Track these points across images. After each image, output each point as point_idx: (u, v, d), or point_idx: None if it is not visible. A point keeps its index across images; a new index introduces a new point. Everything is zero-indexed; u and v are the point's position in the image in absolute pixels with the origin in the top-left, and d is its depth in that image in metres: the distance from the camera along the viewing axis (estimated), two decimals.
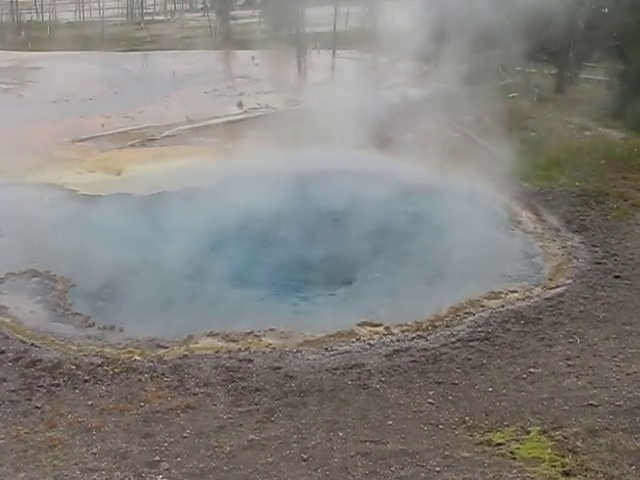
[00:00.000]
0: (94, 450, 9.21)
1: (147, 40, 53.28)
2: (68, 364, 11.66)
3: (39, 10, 63.17)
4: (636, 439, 8.50)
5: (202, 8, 68.56)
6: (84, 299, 14.31)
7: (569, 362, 11.50)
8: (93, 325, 13.31)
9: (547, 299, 14.19)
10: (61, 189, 20.44)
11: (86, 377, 11.30)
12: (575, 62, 33.25)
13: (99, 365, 11.67)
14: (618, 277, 14.92)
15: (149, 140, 25.62)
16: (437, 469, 8.25)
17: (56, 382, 11.16)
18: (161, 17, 70.58)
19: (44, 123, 26.66)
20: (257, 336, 12.86)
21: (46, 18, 61.78)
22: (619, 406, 9.53)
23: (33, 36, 52.03)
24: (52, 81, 33.16)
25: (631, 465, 7.92)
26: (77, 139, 25.67)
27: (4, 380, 11.18)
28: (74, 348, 12.40)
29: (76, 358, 11.92)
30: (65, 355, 12.04)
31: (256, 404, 10.49)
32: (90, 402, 10.57)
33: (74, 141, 25.53)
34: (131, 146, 25.17)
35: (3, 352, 12.04)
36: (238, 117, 29.32)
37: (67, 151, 24.39)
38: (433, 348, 12.38)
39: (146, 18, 67.10)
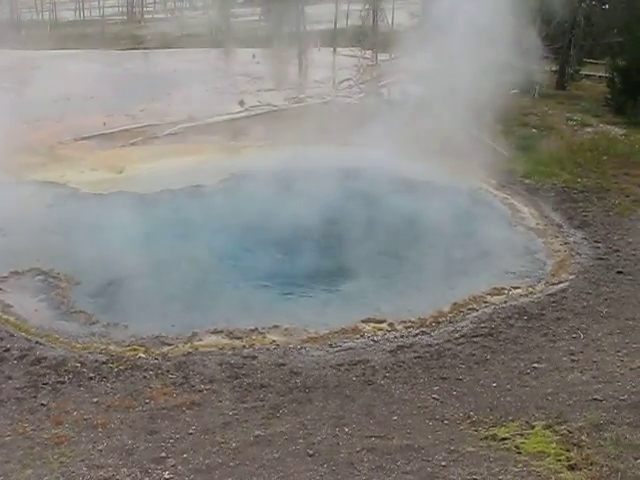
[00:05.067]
0: (100, 447, 9.24)
1: (147, 38, 53.16)
2: (73, 362, 11.68)
3: (39, 9, 63.03)
4: None
5: (202, 6, 68.48)
6: (88, 297, 14.33)
7: (573, 357, 11.54)
8: (97, 323, 13.32)
9: (550, 295, 14.24)
10: (64, 187, 20.48)
11: (91, 374, 11.32)
12: (576, 58, 33.23)
13: (104, 362, 11.69)
14: (620, 273, 14.95)
15: (151, 138, 25.61)
16: (443, 464, 8.27)
17: (61, 379, 11.18)
18: (161, 15, 70.51)
19: (45, 122, 26.64)
20: (261, 333, 12.89)
21: (46, 17, 61.63)
22: (623, 400, 9.54)
23: (33, 35, 51.91)
24: (53, 80, 33.01)
25: (636, 459, 7.93)
26: (79, 137, 25.66)
27: (9, 378, 11.20)
28: (79, 346, 12.42)
29: (81, 355, 11.94)
30: (70, 353, 12.06)
31: (261, 400, 10.52)
32: (95, 399, 10.59)
33: (76, 139, 25.53)
34: (133, 144, 25.17)
35: (8, 350, 12.06)
36: (240, 115, 29.32)
37: (69, 149, 24.40)
38: (437, 344, 12.41)
39: (146, 16, 67.04)
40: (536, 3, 26.74)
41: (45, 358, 11.83)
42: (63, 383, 11.10)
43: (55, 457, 8.97)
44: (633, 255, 15.75)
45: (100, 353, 12.11)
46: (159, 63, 40.72)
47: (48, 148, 24.00)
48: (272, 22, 47.66)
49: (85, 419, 10.00)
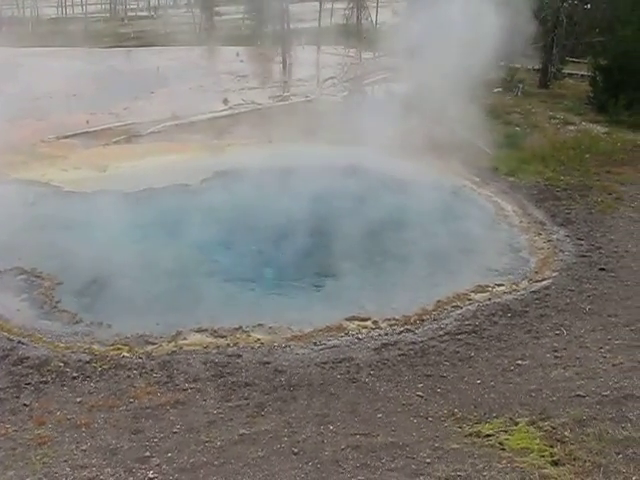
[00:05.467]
0: (84, 447, 9.18)
1: (131, 36, 53.01)
2: (56, 361, 11.61)
3: (20, 6, 62.48)
4: (623, 428, 8.59)
5: (186, 4, 68.28)
6: (71, 296, 14.22)
7: (556, 354, 11.60)
8: (81, 322, 13.23)
9: (533, 292, 14.29)
10: (46, 186, 20.32)
11: (74, 374, 11.25)
12: (559, 57, 33.46)
13: (87, 362, 11.63)
14: (603, 270, 15.03)
15: (134, 137, 25.47)
16: (427, 461, 8.30)
17: (44, 379, 11.10)
18: (145, 13, 70.27)
19: (27, 120, 26.43)
20: (245, 331, 12.86)
21: (27, 14, 61.15)
22: (606, 396, 9.62)
23: (14, 32, 51.48)
24: (35, 77, 32.85)
25: (618, 454, 8.00)
26: (61, 136, 25.48)
27: None
28: (62, 345, 12.33)
29: (64, 355, 11.86)
30: (53, 352, 11.98)
31: (246, 399, 10.50)
32: (79, 399, 10.52)
33: (58, 138, 25.35)
34: (116, 143, 25.03)
35: None
36: (224, 113, 29.26)
37: (51, 148, 24.24)
38: (421, 341, 12.43)
39: (130, 14, 66.85)
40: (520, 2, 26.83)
41: (28, 358, 11.75)
42: (46, 383, 11.02)
43: (38, 458, 8.90)
44: (615, 252, 15.86)
45: (83, 352, 12.04)
46: (142, 61, 40.62)
47: (30, 146, 23.83)
48: (256, 20, 47.68)
49: (68, 419, 9.94)
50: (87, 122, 27.05)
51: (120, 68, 38.76)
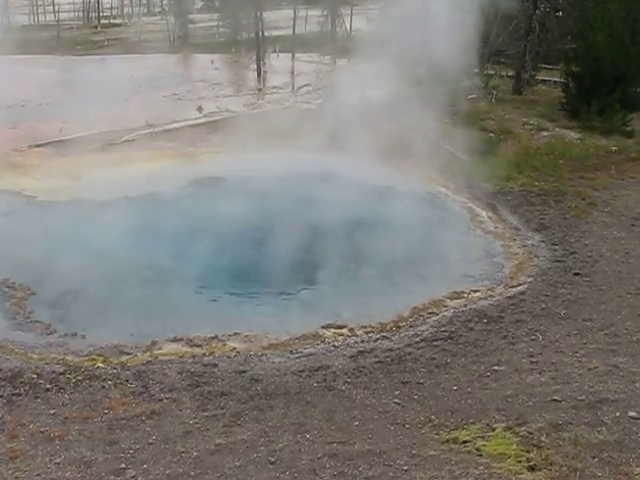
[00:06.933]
0: (58, 460, 9.03)
1: (104, 44, 52.62)
2: (29, 373, 11.42)
3: None
4: (598, 432, 8.64)
5: (160, 12, 68.03)
6: (44, 307, 14.01)
7: (532, 359, 11.65)
8: (54, 333, 13.05)
9: (509, 297, 14.35)
10: (18, 195, 20.03)
11: (48, 386, 11.08)
12: (531, 64, 33.80)
13: (61, 373, 11.46)
14: (578, 274, 15.15)
15: (109, 145, 25.23)
16: (405, 468, 8.28)
17: (17, 392, 10.91)
18: (118, 21, 69.81)
19: None
20: (221, 340, 12.78)
21: None
22: (581, 400, 9.68)
23: None
24: (6, 86, 32.49)
25: (594, 457, 8.05)
26: (34, 144, 25.16)
27: None
28: (35, 356, 12.16)
29: (37, 367, 11.68)
30: (26, 364, 11.79)
31: (222, 408, 10.42)
32: (53, 411, 10.36)
33: (31, 147, 25.03)
34: (90, 151, 24.75)
35: None
36: (198, 121, 29.14)
37: (24, 157, 23.95)
38: (397, 348, 12.43)
39: (103, 22, 66.30)
40: (492, 10, 27.11)
41: (0, 370, 11.56)
42: (19, 395, 10.83)
43: (10, 472, 8.73)
44: (589, 257, 16.00)
45: (57, 364, 11.87)
46: (116, 69, 40.24)
47: (2, 155, 23.49)
48: (231, 28, 47.68)
49: (42, 432, 9.77)
50: (60, 130, 26.76)
51: (93, 76, 38.38)
